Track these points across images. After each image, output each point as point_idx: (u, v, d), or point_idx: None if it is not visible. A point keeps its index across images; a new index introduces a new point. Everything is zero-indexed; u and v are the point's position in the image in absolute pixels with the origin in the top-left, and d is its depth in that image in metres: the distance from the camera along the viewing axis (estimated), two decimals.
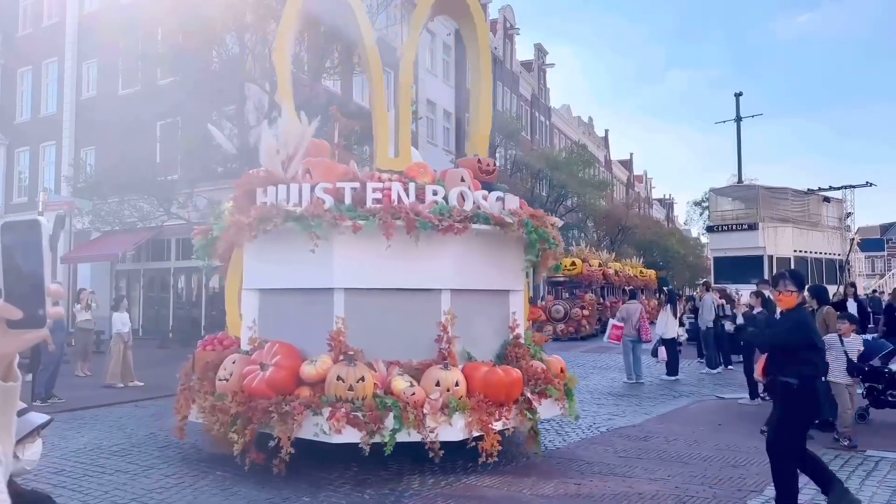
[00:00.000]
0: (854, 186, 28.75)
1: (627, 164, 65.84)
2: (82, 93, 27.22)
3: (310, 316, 6.82)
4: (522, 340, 7.48)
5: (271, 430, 5.94)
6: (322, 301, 6.75)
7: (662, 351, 13.70)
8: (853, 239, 27.19)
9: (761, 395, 10.60)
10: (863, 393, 8.90)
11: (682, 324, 15.59)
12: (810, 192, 26.62)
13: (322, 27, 19.12)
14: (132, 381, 12.41)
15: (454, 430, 6.13)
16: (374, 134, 8.10)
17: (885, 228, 64.30)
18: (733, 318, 12.75)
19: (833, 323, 8.65)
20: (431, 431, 5.97)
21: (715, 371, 14.73)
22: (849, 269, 26.81)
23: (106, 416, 9.41)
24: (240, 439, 5.96)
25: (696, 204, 50.13)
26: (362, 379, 6.04)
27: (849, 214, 28.22)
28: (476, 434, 6.22)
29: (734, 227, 23.97)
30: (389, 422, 5.89)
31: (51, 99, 28.17)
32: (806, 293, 7.41)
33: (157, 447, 7.43)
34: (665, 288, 21.12)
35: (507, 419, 6.46)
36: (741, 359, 12.26)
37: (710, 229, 25.09)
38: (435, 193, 6.82)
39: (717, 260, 24.35)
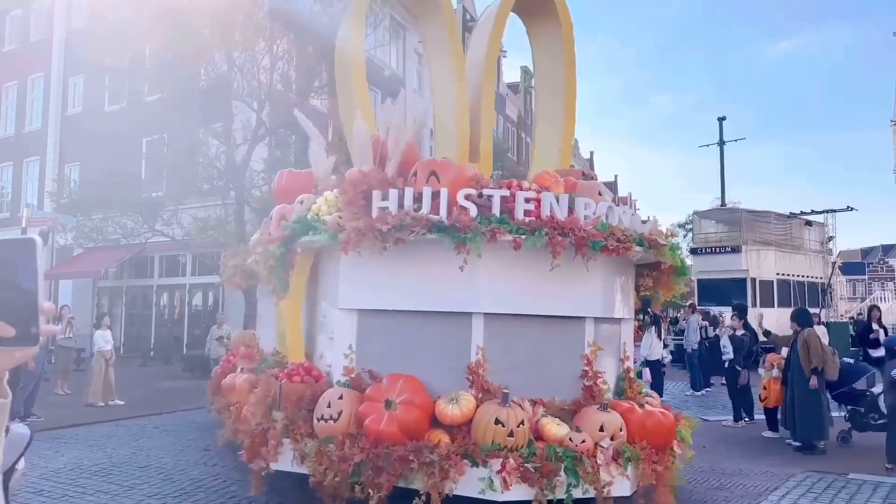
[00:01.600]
0: (835, 211, 29.09)
1: (612, 186, 66.21)
2: (68, 108, 27.10)
3: (434, 343, 5.87)
4: (633, 374, 6.75)
5: (411, 484, 5.07)
6: (454, 327, 5.85)
7: (647, 372, 13.72)
8: (834, 262, 27.46)
9: (745, 418, 10.66)
10: (845, 416, 8.96)
11: (665, 345, 15.67)
12: (793, 215, 26.90)
13: (310, 47, 19.26)
14: (113, 399, 12.25)
15: (626, 483, 5.41)
16: (456, 134, 7.34)
17: (866, 252, 65.07)
18: (716, 339, 12.84)
19: (816, 344, 8.72)
20: (605, 486, 5.23)
21: (699, 393, 14.79)
22: (831, 293, 27.06)
23: (86, 435, 9.28)
24: (375, 494, 5.01)
25: (680, 226, 50.47)
26: (522, 423, 5.25)
27: (830, 238, 28.53)
28: (642, 485, 5.47)
29: (718, 249, 24.15)
30: (562, 475, 5.14)
31: (36, 114, 28.00)
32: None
33: (138, 467, 7.33)
34: (649, 309, 21.19)
35: (668, 468, 5.61)
36: (723, 380, 12.32)
37: (693, 251, 25.26)
38: (586, 207, 6.00)
39: (700, 282, 24.53)
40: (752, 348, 11.32)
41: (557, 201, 5.84)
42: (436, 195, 5.73)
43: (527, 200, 5.77)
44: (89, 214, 20.09)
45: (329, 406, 5.52)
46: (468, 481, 5.07)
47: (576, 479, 5.14)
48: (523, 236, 5.55)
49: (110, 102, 25.06)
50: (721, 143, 32.67)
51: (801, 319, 9.25)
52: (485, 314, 5.81)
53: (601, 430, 5.46)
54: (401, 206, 5.71)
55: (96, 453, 8.07)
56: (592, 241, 5.65)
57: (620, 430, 5.55)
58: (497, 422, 5.17)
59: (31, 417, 10.18)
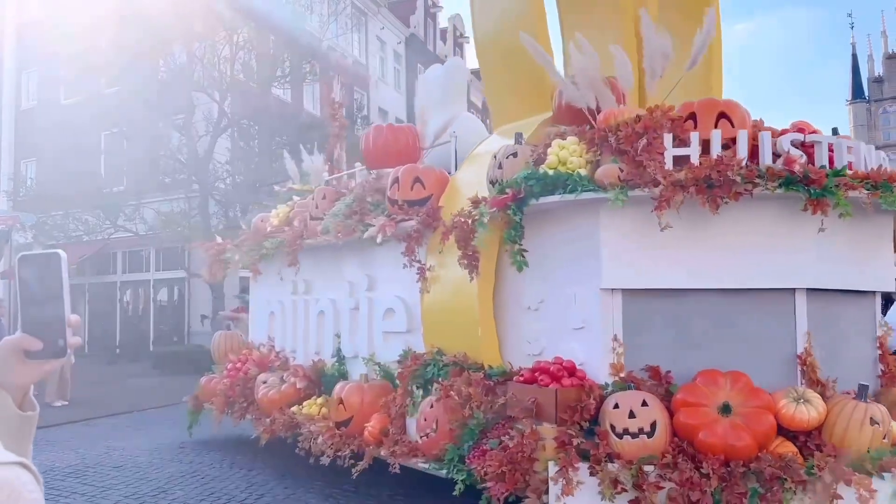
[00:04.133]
0: None
1: None
2: (22, 103, 26.39)
3: (741, 329, 4.77)
4: None
5: None
6: (770, 307, 4.78)
7: None
8: None
9: None
10: None
11: None
12: None
13: (272, 36, 19.03)
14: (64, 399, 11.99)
15: None
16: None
17: None
18: None
19: None
20: None
21: None
22: None
23: (56, 437, 9.12)
24: None
25: None
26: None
27: None
28: None
29: None
30: None
31: None
32: None
33: (112, 467, 7.24)
34: None
35: None
36: None
37: None
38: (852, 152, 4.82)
39: None
40: None
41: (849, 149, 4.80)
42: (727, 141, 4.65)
43: (847, 150, 4.77)
44: (49, 211, 19.67)
45: (633, 416, 4.15)
46: None
47: None
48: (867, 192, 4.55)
49: (66, 96, 24.46)
50: None
51: None
52: (807, 290, 4.75)
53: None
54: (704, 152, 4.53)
55: (68, 454, 7.94)
56: None
57: None
58: (873, 422, 4.23)
59: None
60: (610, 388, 4.47)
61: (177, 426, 9.69)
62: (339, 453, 5.67)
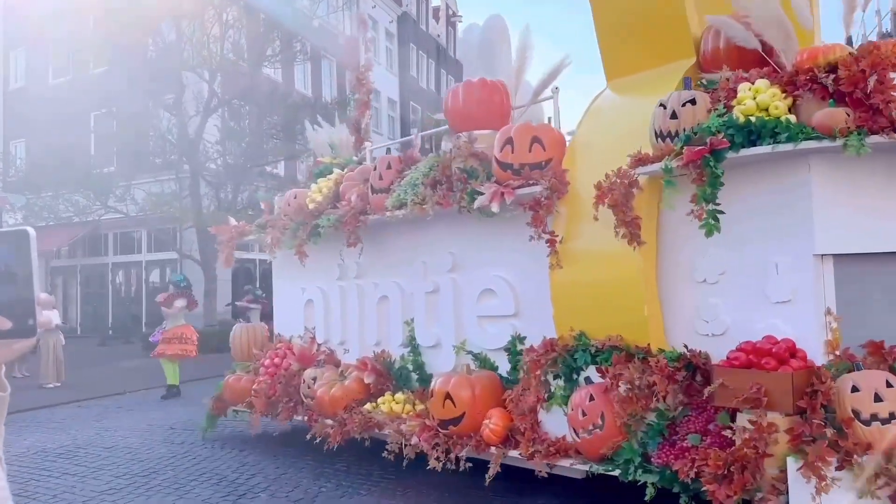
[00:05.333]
0: None
1: None
2: (10, 83, 26.13)
3: None
4: None
5: None
6: None
7: None
8: None
9: None
10: None
11: None
12: None
13: (261, 15, 18.83)
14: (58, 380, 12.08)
15: None
16: None
17: None
18: None
19: None
20: None
21: None
22: None
23: (48, 418, 9.12)
24: None
25: None
26: None
27: None
28: None
29: None
30: None
31: None
32: None
33: (103, 448, 7.25)
34: None
35: None
36: None
37: None
38: None
39: None
40: None
41: None
42: None
43: None
44: (39, 192, 19.53)
45: (879, 400, 3.57)
46: None
47: None
48: None
49: (54, 76, 24.21)
50: None
51: None
52: None
53: None
54: None
55: (59, 435, 7.95)
56: None
57: None
58: None
59: None
60: (833, 369, 3.86)
61: (168, 408, 9.72)
62: (450, 456, 5.01)
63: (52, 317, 12.39)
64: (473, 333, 5.66)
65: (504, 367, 5.36)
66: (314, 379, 6.32)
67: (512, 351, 5.29)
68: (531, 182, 4.93)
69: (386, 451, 5.33)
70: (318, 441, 5.92)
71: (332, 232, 6.37)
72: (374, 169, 6.21)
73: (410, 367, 6.09)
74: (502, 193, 4.97)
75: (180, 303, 10.66)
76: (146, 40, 18.28)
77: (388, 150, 9.11)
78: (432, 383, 5.34)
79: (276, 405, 6.63)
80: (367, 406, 5.89)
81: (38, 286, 1.03)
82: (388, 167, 6.09)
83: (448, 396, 5.08)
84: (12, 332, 1.01)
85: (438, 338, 5.95)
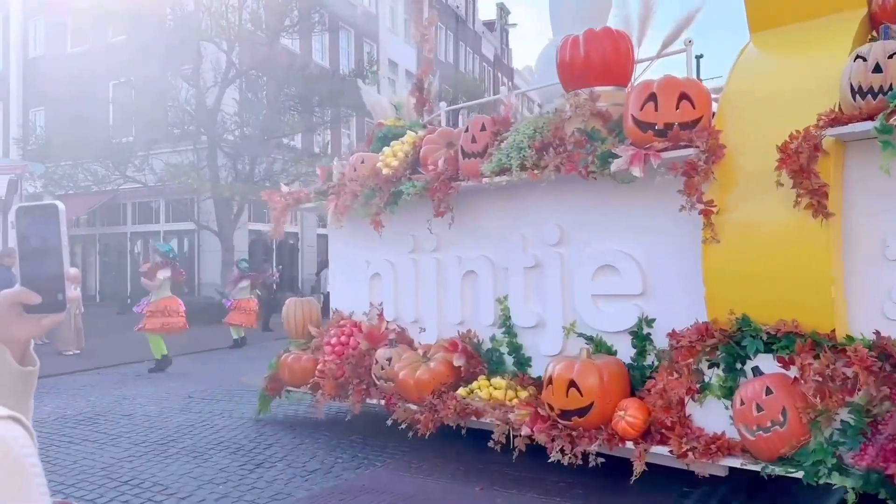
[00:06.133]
0: None
1: None
2: (29, 52, 26.19)
3: None
4: None
5: None
6: None
7: None
8: None
9: None
10: None
11: None
12: None
13: None
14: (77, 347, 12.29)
15: None
16: None
17: None
18: None
19: None
20: None
21: None
22: None
23: (68, 384, 9.26)
24: None
25: None
26: None
27: None
28: None
29: None
30: None
31: None
32: None
33: (122, 415, 7.34)
34: None
35: None
36: None
37: None
38: None
39: None
40: None
41: None
42: None
43: None
44: (58, 161, 19.65)
45: None
46: None
47: None
48: None
49: (73, 45, 24.23)
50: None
51: None
52: None
53: None
54: None
55: (79, 402, 8.06)
56: None
57: None
58: None
59: None
60: None
61: (186, 377, 9.84)
62: (576, 450, 4.51)
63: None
64: (586, 314, 5.12)
65: (624, 351, 4.91)
66: (389, 360, 5.81)
67: (638, 335, 4.81)
68: (682, 144, 4.34)
69: (492, 442, 4.86)
70: (348, 419, 5.93)
71: (414, 200, 5.79)
72: (466, 130, 5.57)
73: (504, 349, 5.61)
74: (646, 156, 4.36)
75: (163, 273, 10.40)
76: (164, 10, 18.22)
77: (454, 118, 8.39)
78: (549, 369, 4.76)
79: (346, 387, 6.13)
80: (461, 391, 5.36)
81: (67, 260, 1.02)
82: (483, 129, 5.46)
83: (573, 384, 4.52)
84: (41, 306, 1.01)
85: (540, 317, 5.39)
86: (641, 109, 4.51)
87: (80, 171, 19.57)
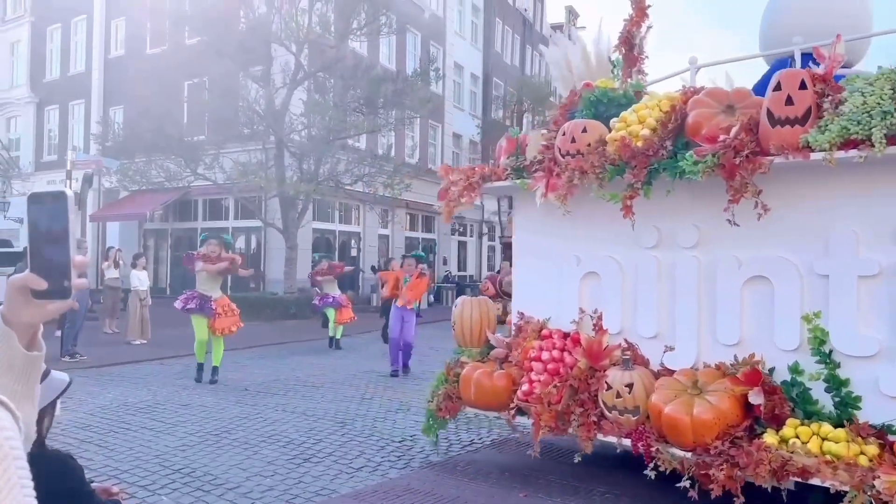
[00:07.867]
0: None
1: None
2: (110, 51, 27.29)
3: None
4: None
5: None
6: None
7: None
8: None
9: None
10: None
11: None
12: None
13: None
14: (147, 338, 12.73)
15: None
16: None
17: None
18: None
19: None
20: None
21: None
22: None
23: (132, 373, 9.57)
24: None
25: None
26: None
27: None
28: None
29: None
30: None
31: (80, 57, 28.28)
32: None
33: (180, 405, 7.53)
34: None
35: None
36: None
37: None
38: None
39: None
40: None
41: None
42: None
43: None
44: (133, 157, 20.38)
45: None
46: None
47: None
48: None
49: (152, 45, 25.13)
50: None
51: None
52: None
53: None
54: None
55: (141, 391, 8.31)
56: None
57: None
58: None
59: (76, 357, 10.50)
60: None
61: (244, 369, 10.04)
62: None
63: (133, 278, 12.99)
64: None
65: None
66: (629, 386, 4.54)
67: None
68: None
69: None
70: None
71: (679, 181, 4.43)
72: (776, 88, 4.13)
73: (816, 383, 4.15)
74: None
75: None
76: (237, 12, 18.70)
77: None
78: None
79: (565, 417, 4.84)
80: (768, 438, 3.95)
81: (73, 249, 1.02)
82: (803, 86, 4.10)
83: None
84: (47, 292, 1.01)
85: (881, 345, 4.00)
86: None
87: (153, 167, 20.25)
